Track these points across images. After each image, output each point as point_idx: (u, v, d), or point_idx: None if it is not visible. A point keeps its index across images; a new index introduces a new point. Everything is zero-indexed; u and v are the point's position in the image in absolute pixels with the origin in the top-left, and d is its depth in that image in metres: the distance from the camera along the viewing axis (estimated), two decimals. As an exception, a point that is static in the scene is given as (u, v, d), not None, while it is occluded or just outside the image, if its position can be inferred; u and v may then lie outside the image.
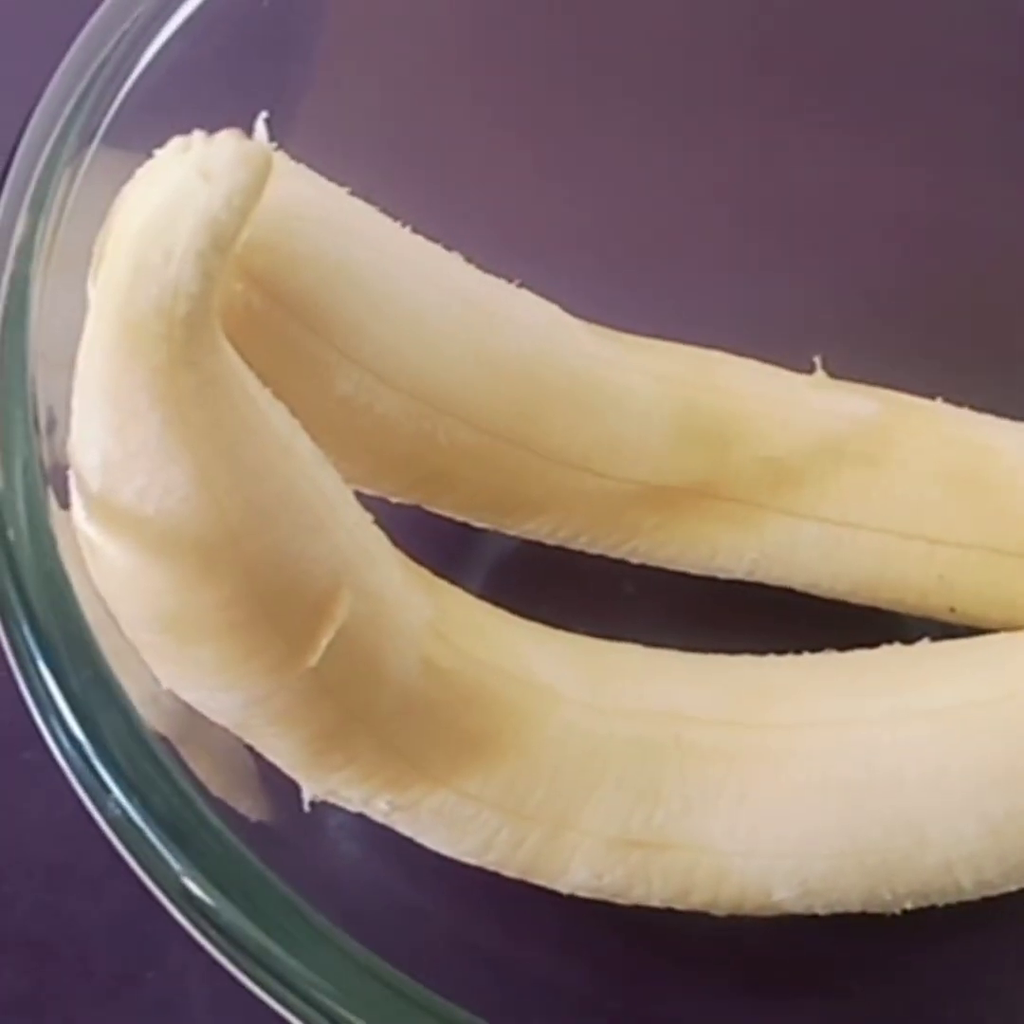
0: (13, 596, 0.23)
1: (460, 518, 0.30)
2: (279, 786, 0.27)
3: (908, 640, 0.31)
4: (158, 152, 0.22)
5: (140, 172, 0.22)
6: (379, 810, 0.27)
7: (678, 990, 0.30)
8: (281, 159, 0.23)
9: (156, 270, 0.21)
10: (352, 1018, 0.23)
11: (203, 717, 0.26)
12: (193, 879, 0.23)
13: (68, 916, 0.33)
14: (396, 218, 0.27)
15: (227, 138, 0.21)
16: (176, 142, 0.21)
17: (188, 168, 0.21)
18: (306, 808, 0.27)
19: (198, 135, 0.21)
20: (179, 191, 0.21)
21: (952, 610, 0.31)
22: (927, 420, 0.31)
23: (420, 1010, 0.23)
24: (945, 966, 0.31)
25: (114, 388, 0.22)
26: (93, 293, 0.23)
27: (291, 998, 0.22)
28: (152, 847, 0.23)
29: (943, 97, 0.33)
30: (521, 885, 0.28)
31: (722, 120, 0.33)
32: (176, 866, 0.23)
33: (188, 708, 0.25)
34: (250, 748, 0.26)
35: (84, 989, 0.32)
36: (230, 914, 0.23)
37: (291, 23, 0.29)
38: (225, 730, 0.26)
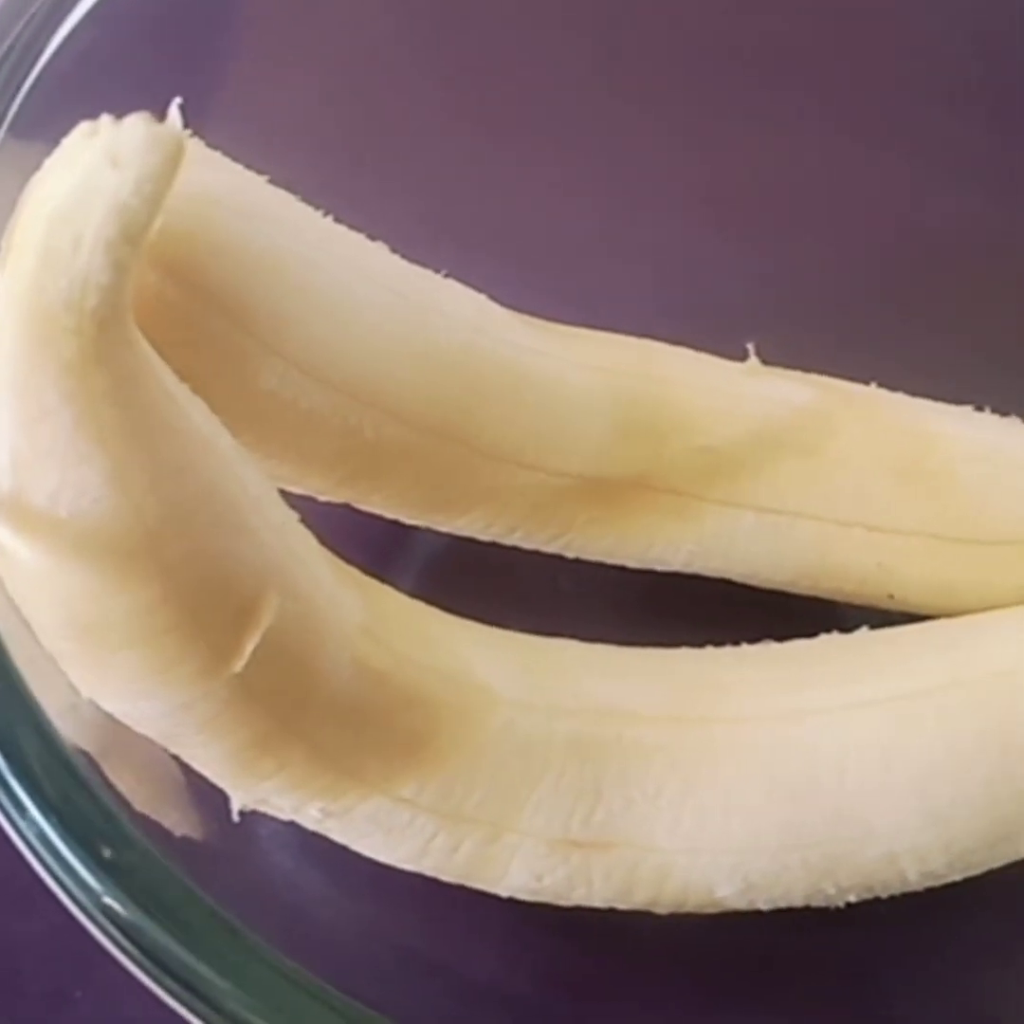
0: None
1: (390, 515, 0.30)
2: (207, 796, 0.26)
3: (846, 629, 0.31)
4: (66, 140, 0.21)
5: (49, 160, 0.21)
6: (311, 818, 0.27)
7: (625, 992, 0.30)
8: (196, 146, 0.23)
9: (64, 261, 0.20)
10: None
11: (126, 727, 0.25)
12: (116, 899, 0.22)
13: (4, 932, 0.32)
14: (317, 207, 0.27)
15: (136, 122, 0.20)
16: (84, 127, 0.21)
17: (96, 154, 0.20)
18: (235, 818, 0.26)
19: (106, 119, 0.20)
20: (87, 178, 0.20)
21: (891, 597, 0.31)
22: (864, 406, 0.31)
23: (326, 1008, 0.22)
24: (892, 958, 0.30)
25: (23, 385, 0.21)
26: (0, 288, 0.22)
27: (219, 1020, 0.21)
28: (70, 867, 0.22)
29: (869, 89, 0.32)
30: (460, 891, 0.28)
31: (651, 110, 0.33)
32: (97, 886, 0.22)
33: (110, 718, 0.25)
34: (176, 758, 0.26)
35: (15, 1008, 0.32)
36: (155, 934, 0.22)
37: (204, 7, 0.28)
38: (149, 740, 0.25)
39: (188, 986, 0.21)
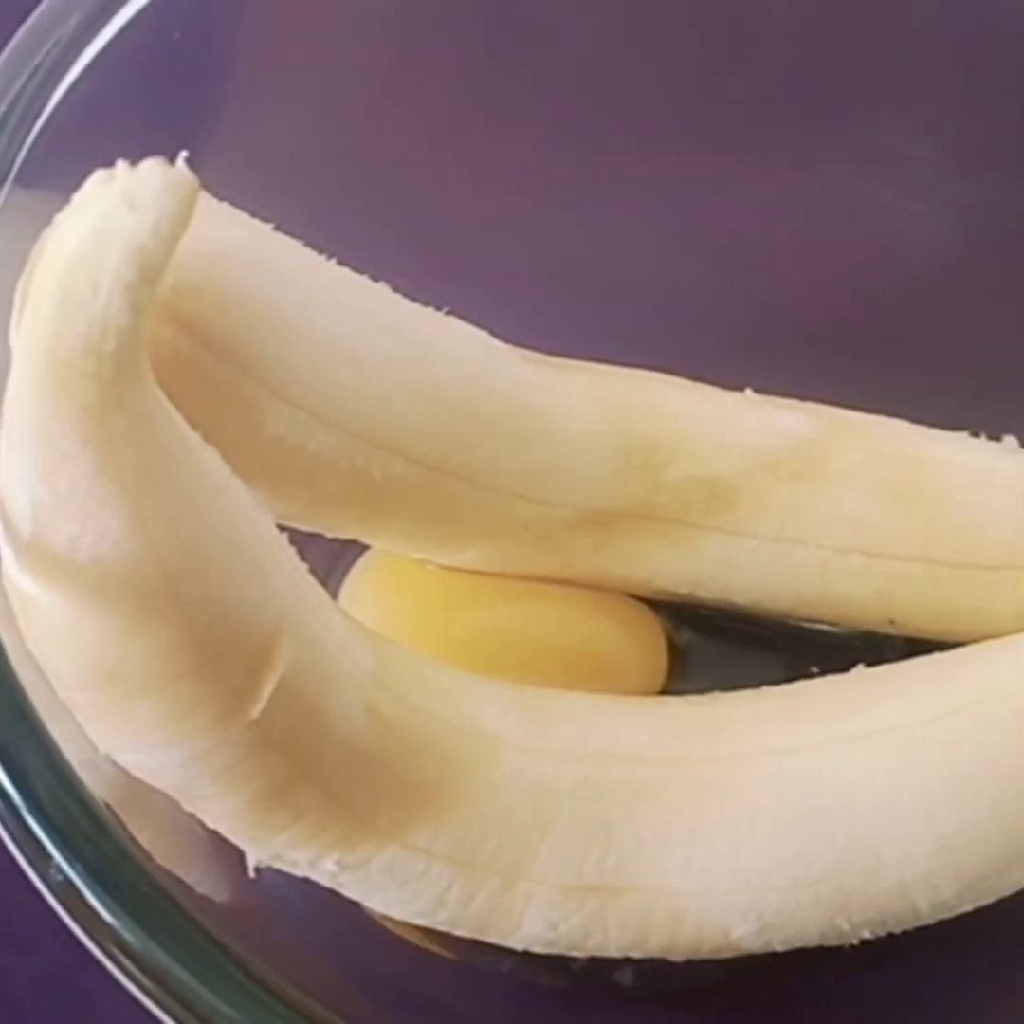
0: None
1: (398, 550, 0.30)
2: (224, 852, 0.26)
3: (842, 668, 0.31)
4: (82, 188, 0.21)
5: (65, 209, 0.22)
6: (327, 872, 0.26)
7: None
8: (204, 199, 0.23)
9: (84, 304, 0.21)
10: None
11: (143, 783, 0.25)
12: (142, 945, 0.22)
13: (3, 971, 0.31)
14: (319, 249, 0.27)
15: (152, 166, 0.21)
16: (100, 173, 0.21)
17: (113, 198, 0.21)
18: (251, 873, 0.26)
19: (122, 165, 0.21)
20: (105, 222, 0.21)
21: (892, 622, 0.31)
22: (860, 434, 0.32)
23: None
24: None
25: (43, 430, 0.21)
26: (15, 339, 0.22)
27: None
28: (96, 913, 0.22)
29: (872, 117, 0.33)
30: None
31: (645, 143, 0.33)
32: (124, 931, 0.22)
33: (127, 774, 0.24)
34: (192, 815, 0.25)
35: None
36: (183, 978, 0.22)
37: (203, 57, 0.29)
38: (166, 797, 0.25)
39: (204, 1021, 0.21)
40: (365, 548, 0.33)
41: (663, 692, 0.34)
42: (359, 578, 0.33)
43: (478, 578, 0.32)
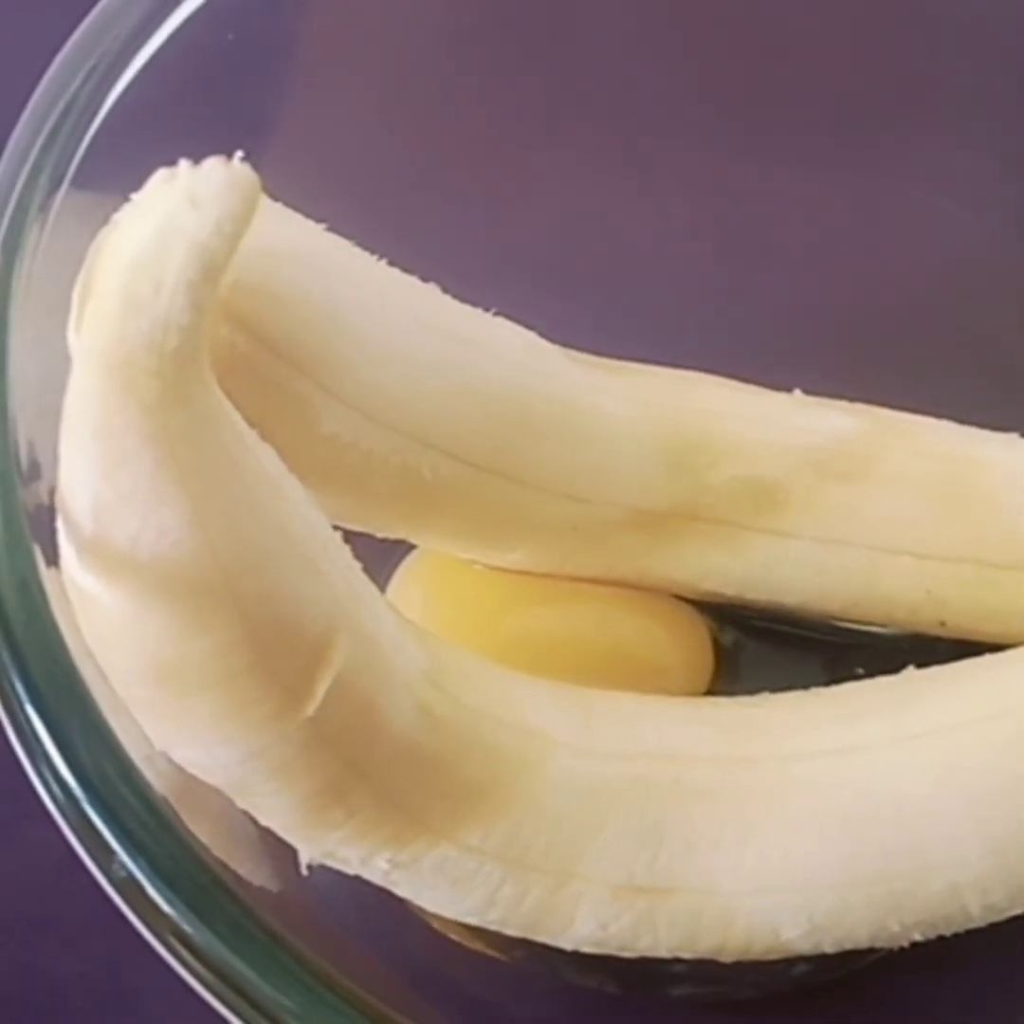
0: (3, 650, 0.22)
1: (446, 550, 0.30)
2: (277, 850, 0.26)
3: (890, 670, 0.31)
4: (144, 187, 0.21)
5: (126, 207, 0.22)
6: (379, 870, 0.26)
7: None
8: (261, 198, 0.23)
9: (146, 303, 0.21)
10: None
11: (197, 780, 0.25)
12: (203, 938, 0.22)
13: (46, 973, 0.32)
14: (370, 250, 0.27)
15: (214, 165, 0.21)
16: (162, 172, 0.21)
17: (176, 197, 0.21)
18: (304, 871, 0.26)
19: (184, 164, 0.21)
20: (167, 220, 0.21)
21: (942, 624, 0.31)
22: (909, 434, 0.31)
23: None
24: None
25: (105, 428, 0.21)
26: (73, 340, 0.22)
27: None
28: (157, 907, 0.22)
29: (916, 121, 0.33)
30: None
31: (694, 146, 0.34)
32: (184, 924, 0.22)
33: (182, 771, 0.25)
34: (247, 813, 0.26)
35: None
36: (243, 971, 0.22)
37: (257, 57, 0.29)
38: (221, 795, 0.25)
39: (263, 1012, 0.21)
40: (411, 548, 0.33)
41: (708, 693, 0.34)
42: (405, 577, 0.33)
43: (524, 579, 0.32)
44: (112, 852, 0.22)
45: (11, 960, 0.32)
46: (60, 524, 0.23)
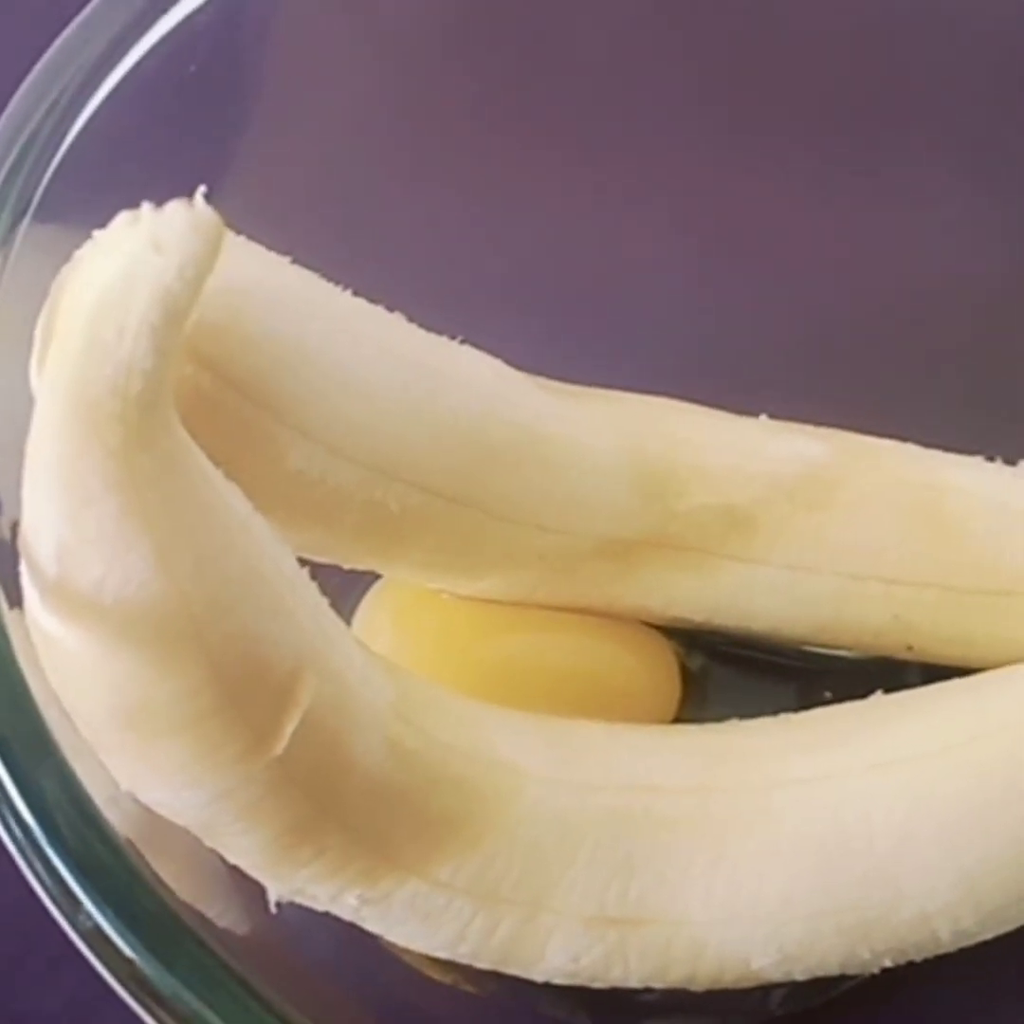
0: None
1: (414, 581, 0.30)
2: (245, 887, 0.26)
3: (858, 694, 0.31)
4: (104, 228, 0.21)
5: (86, 247, 0.22)
6: (348, 906, 0.26)
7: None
8: (226, 235, 0.23)
9: (109, 348, 0.21)
10: None
11: (164, 820, 0.24)
12: (168, 986, 0.22)
13: (15, 1013, 0.32)
14: (334, 280, 0.27)
15: (177, 209, 0.21)
16: (125, 215, 0.21)
17: (139, 241, 0.21)
18: (273, 909, 0.26)
19: (146, 207, 0.21)
20: (131, 264, 0.21)
21: (910, 648, 0.31)
22: (877, 459, 0.31)
23: None
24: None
25: (68, 473, 0.21)
26: (35, 380, 0.22)
27: None
28: (122, 954, 0.21)
29: (887, 142, 0.33)
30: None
31: (659, 170, 0.34)
32: (149, 971, 0.22)
33: (149, 811, 0.24)
34: (215, 851, 0.25)
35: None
36: (211, 1020, 0.22)
37: (220, 89, 0.29)
38: (188, 833, 0.25)
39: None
40: (378, 577, 0.33)
41: (676, 719, 0.34)
42: (372, 607, 0.33)
43: (491, 607, 0.32)
44: (76, 899, 0.21)
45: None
46: (23, 567, 0.22)
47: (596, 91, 0.33)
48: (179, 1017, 0.21)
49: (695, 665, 0.35)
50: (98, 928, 0.21)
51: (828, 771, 0.29)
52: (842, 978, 0.29)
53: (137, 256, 0.21)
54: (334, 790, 0.25)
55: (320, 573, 0.26)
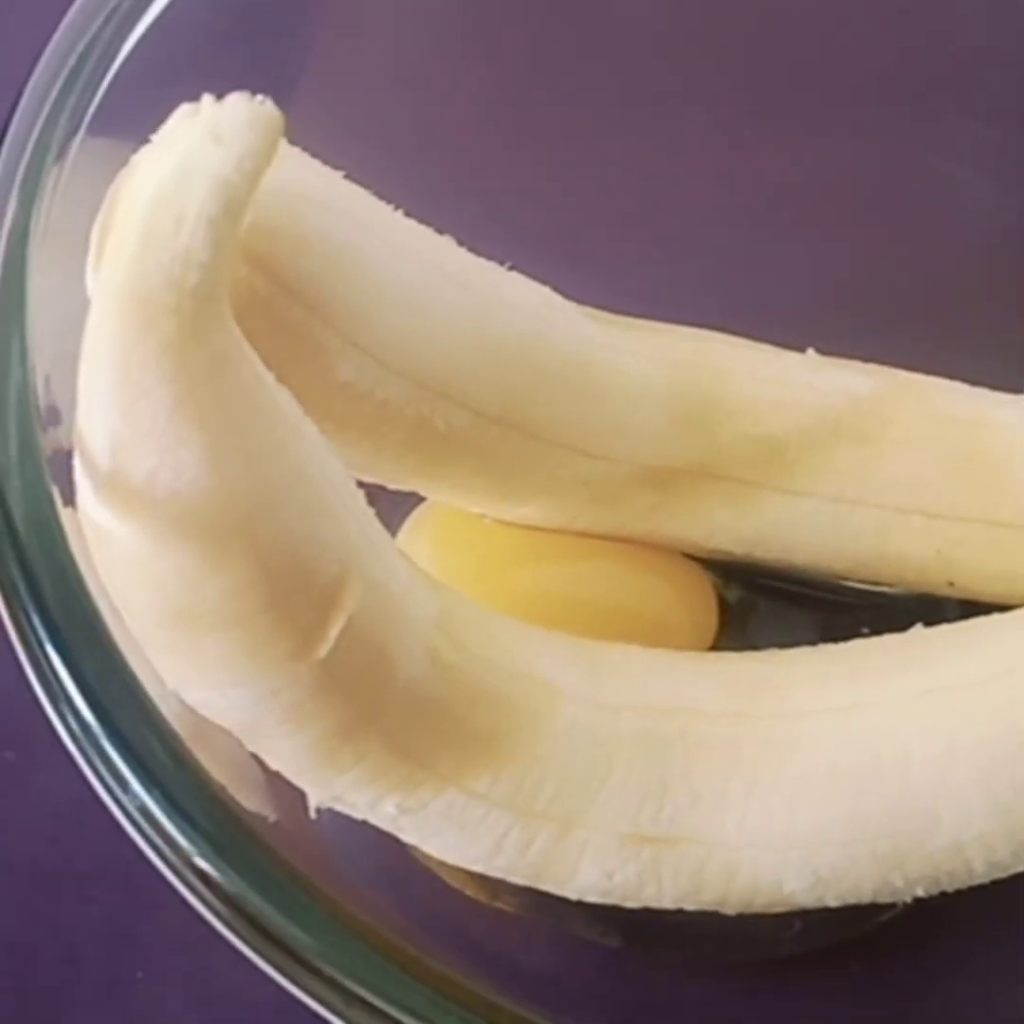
0: (22, 587, 0.22)
1: (457, 504, 0.30)
2: (285, 795, 0.26)
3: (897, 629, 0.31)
4: (166, 122, 0.21)
5: (144, 150, 0.22)
6: (386, 814, 0.26)
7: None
8: (281, 143, 0.23)
9: (166, 238, 0.21)
10: (362, 992, 0.22)
11: (209, 723, 0.25)
12: (211, 863, 0.22)
13: (55, 918, 0.32)
14: (388, 201, 0.27)
15: (237, 101, 0.21)
16: (185, 108, 0.21)
17: (198, 132, 0.21)
18: (312, 815, 0.26)
19: (207, 99, 0.21)
20: (189, 156, 0.21)
21: (951, 584, 0.31)
22: (922, 395, 0.31)
23: (424, 984, 0.23)
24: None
25: (123, 365, 0.21)
26: (91, 282, 0.22)
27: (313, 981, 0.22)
28: (174, 841, 0.22)
29: (942, 91, 0.33)
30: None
31: (712, 107, 0.34)
32: (204, 862, 0.22)
33: (193, 713, 0.25)
34: (256, 758, 0.26)
35: (74, 991, 0.32)
36: (250, 899, 0.22)
37: (276, 7, 0.29)
38: (231, 739, 0.25)
39: (277, 943, 0.21)
40: (420, 501, 0.33)
41: (713, 650, 0.34)
42: (413, 530, 0.33)
43: (529, 534, 0.32)
44: (131, 789, 0.22)
45: (22, 907, 0.33)
46: (77, 461, 0.23)
47: (649, 34, 0.33)
48: (229, 902, 0.22)
49: (733, 597, 0.35)
50: (147, 812, 0.22)
51: (865, 700, 0.29)
52: (866, 915, 0.29)
53: (196, 148, 0.21)
54: (376, 697, 0.25)
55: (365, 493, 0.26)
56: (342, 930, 0.22)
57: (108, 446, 0.22)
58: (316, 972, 0.22)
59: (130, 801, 0.22)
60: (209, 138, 0.21)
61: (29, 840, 0.33)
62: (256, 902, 0.22)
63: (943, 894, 0.28)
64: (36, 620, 0.22)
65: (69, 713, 0.22)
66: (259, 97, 0.21)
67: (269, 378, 0.24)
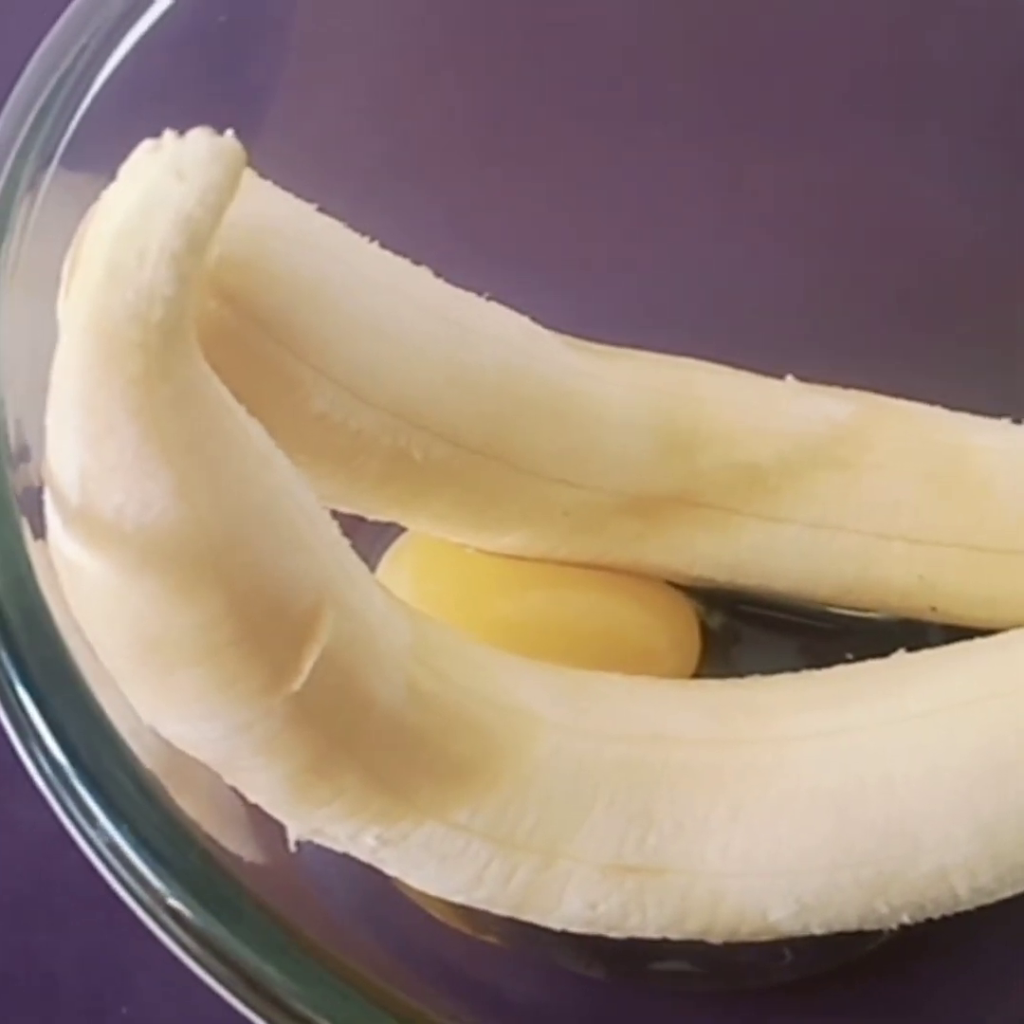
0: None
1: (437, 535, 0.30)
2: (264, 828, 0.26)
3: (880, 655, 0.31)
4: (129, 158, 0.22)
5: (114, 182, 0.22)
6: (367, 846, 0.26)
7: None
8: (250, 176, 0.23)
9: (130, 273, 0.21)
10: None
11: (185, 755, 0.25)
12: (184, 903, 0.22)
13: (36, 954, 0.32)
14: (361, 233, 0.27)
15: (199, 136, 0.21)
16: (147, 143, 0.21)
17: (160, 167, 0.21)
18: (292, 848, 0.26)
19: (169, 134, 0.21)
20: (152, 191, 0.21)
21: (934, 609, 0.31)
22: (902, 420, 0.32)
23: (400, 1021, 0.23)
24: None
25: (90, 400, 0.22)
26: (62, 314, 0.23)
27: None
28: (139, 873, 0.22)
29: (917, 111, 0.33)
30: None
31: (687, 135, 0.34)
32: (166, 891, 0.22)
33: (169, 746, 0.25)
34: (234, 789, 0.26)
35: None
36: (225, 939, 0.22)
37: (249, 39, 0.29)
38: (208, 771, 0.25)
39: (252, 984, 0.21)
40: (402, 532, 0.33)
41: (696, 677, 0.34)
42: (394, 560, 0.33)
43: (511, 563, 0.32)
44: (101, 827, 0.22)
45: (2, 942, 0.32)
46: (47, 495, 0.23)
47: (632, 54, 0.33)
48: (204, 942, 0.21)
49: (715, 624, 0.35)
50: (119, 852, 0.22)
51: (847, 725, 0.29)
52: (853, 944, 0.29)
53: (158, 182, 0.21)
54: (352, 729, 0.25)
55: (343, 525, 0.26)
56: (319, 969, 0.22)
57: (77, 481, 0.22)
58: (292, 1013, 0.22)
59: (99, 837, 0.22)
60: (171, 173, 0.21)
61: (8, 873, 0.33)
62: (230, 941, 0.22)
63: (930, 921, 0.28)
64: (4, 657, 0.22)
65: (38, 751, 0.22)
66: (227, 132, 0.21)
67: (239, 410, 0.24)
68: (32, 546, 0.23)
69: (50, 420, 0.22)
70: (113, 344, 0.21)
